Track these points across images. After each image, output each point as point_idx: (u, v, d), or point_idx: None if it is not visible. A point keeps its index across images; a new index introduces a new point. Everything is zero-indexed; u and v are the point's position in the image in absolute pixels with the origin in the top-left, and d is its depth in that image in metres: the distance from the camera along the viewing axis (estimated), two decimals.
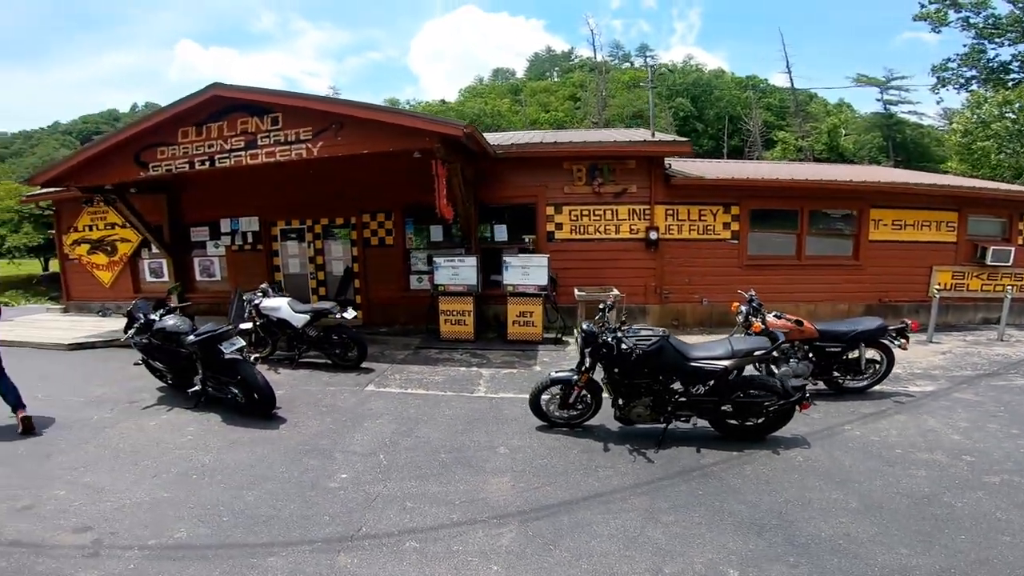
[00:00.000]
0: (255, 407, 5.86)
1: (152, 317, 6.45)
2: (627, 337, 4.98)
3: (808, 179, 10.80)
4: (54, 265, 30.67)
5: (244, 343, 5.89)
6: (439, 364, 8.36)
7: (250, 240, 12.11)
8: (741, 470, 4.62)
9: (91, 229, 13.20)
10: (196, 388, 6.08)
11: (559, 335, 9.91)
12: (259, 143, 9.11)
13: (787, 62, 52.33)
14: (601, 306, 5.57)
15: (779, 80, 61.27)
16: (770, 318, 6.47)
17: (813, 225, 11.12)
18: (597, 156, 10.86)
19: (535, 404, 5.46)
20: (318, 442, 5.29)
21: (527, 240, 11.20)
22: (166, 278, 12.83)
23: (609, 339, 4.97)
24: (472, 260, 9.80)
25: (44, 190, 13.88)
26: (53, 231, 28.85)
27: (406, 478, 4.53)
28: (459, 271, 9.76)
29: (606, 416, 5.50)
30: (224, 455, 4.94)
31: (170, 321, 6.39)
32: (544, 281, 9.53)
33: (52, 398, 6.65)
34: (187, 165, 9.49)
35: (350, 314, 8.06)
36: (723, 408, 5.04)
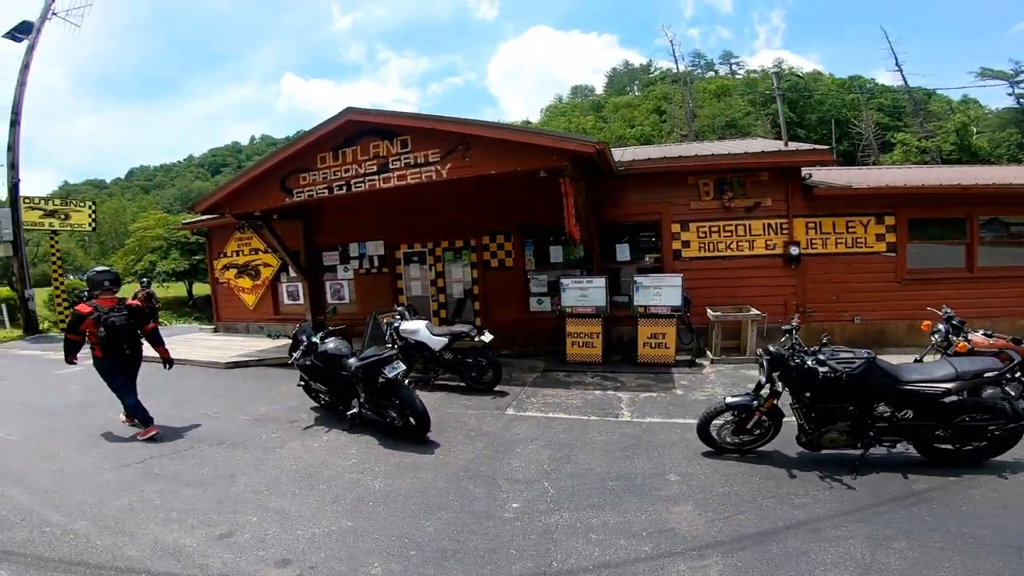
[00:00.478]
0: (410, 430, 5.85)
1: (314, 340, 6.69)
2: (827, 359, 4.52)
3: (981, 183, 9.51)
4: (197, 289, 34.06)
5: (404, 367, 5.92)
6: (572, 387, 8.08)
7: (376, 264, 12.57)
8: (968, 495, 4.16)
9: (238, 255, 14.34)
10: (354, 411, 6.19)
11: (693, 357, 9.30)
12: (391, 166, 9.37)
13: (896, 60, 47.98)
14: (786, 327, 5.11)
15: (885, 79, 56.47)
16: (976, 337, 5.63)
17: (986, 233, 9.79)
18: (726, 169, 10.23)
19: (704, 430, 5.13)
20: (477, 468, 5.16)
21: (647, 259, 10.76)
22: (301, 300, 13.62)
23: (808, 362, 4.54)
24: (601, 281, 9.48)
25: (201, 217, 15.34)
26: (197, 257, 32.49)
27: (580, 507, 4.28)
28: (587, 292, 9.48)
29: (778, 441, 5.09)
30: (392, 481, 4.90)
31: (331, 344, 6.59)
32: (678, 301, 9.03)
33: (222, 416, 7.07)
34: (326, 190, 9.97)
35: (487, 337, 8.01)
36: (936, 432, 4.52)
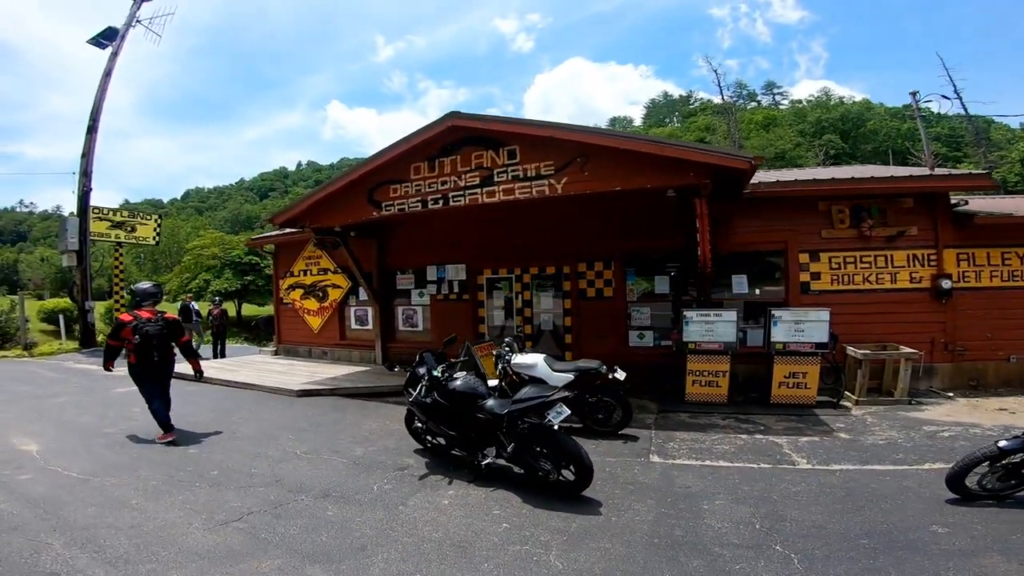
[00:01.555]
0: (562, 486, 4.68)
1: (435, 374, 5.57)
2: None
3: None
4: (246, 310, 33.83)
5: (568, 411, 4.74)
6: (708, 430, 6.86)
7: (455, 289, 11.55)
8: None
9: (305, 274, 13.53)
10: (489, 460, 5.02)
11: (837, 399, 7.95)
12: (495, 179, 8.42)
13: (955, 87, 45.73)
14: None
15: (937, 107, 54.03)
16: None
17: None
18: (864, 195, 8.91)
19: (960, 477, 4.42)
20: (672, 532, 4.01)
21: (758, 291, 9.51)
22: (370, 326, 12.66)
23: None
24: (731, 315, 8.20)
25: (267, 234, 14.73)
26: (248, 277, 32.28)
27: (854, 572, 3.39)
28: (715, 327, 8.19)
29: None
30: (573, 556, 3.66)
31: (460, 382, 5.44)
32: (824, 338, 7.71)
33: (315, 457, 5.93)
34: (420, 204, 9.04)
35: (621, 374, 6.80)
36: None
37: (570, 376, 6.80)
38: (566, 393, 4.90)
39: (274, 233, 14.45)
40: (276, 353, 14.23)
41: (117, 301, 18.25)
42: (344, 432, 7.01)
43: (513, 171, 8.30)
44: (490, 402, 5.06)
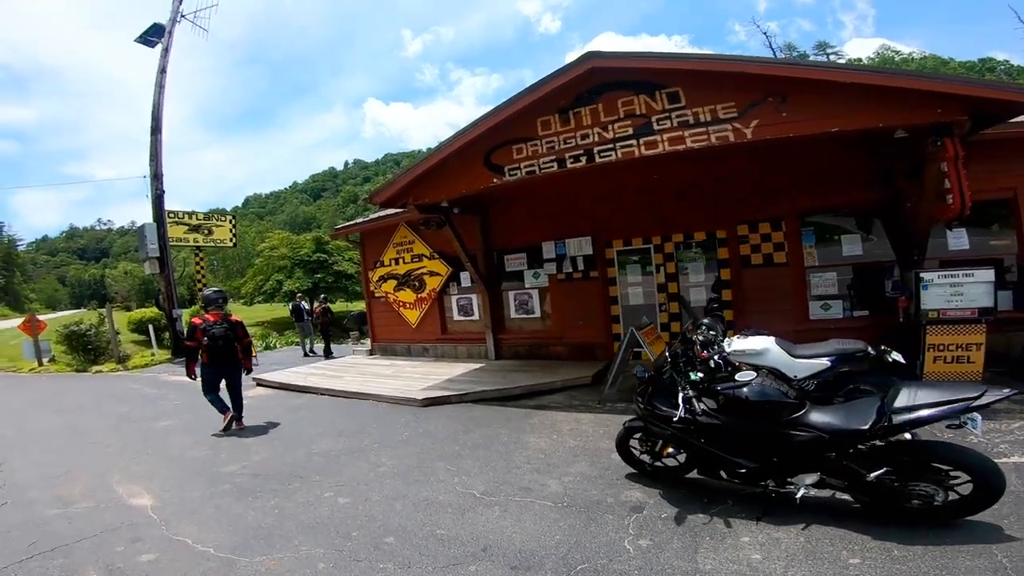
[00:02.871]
0: (946, 508, 3.07)
1: (692, 377, 3.69)
2: None
3: None
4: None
5: (980, 416, 2.92)
6: (1001, 417, 4.96)
7: (580, 267, 9.72)
8: None
9: (397, 263, 12.03)
10: (804, 490, 3.25)
11: None
12: (655, 127, 6.57)
13: None
14: None
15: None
16: None
17: None
18: None
19: None
20: None
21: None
22: (476, 316, 11.04)
23: None
24: (986, 274, 6.08)
25: (352, 223, 13.36)
26: (318, 275, 31.67)
27: None
28: (964, 290, 6.13)
29: None
30: None
31: (754, 385, 3.57)
32: None
33: (503, 500, 4.19)
34: (555, 163, 7.24)
35: (897, 356, 4.83)
36: None
37: (824, 363, 4.88)
38: (1004, 393, 2.99)
39: (358, 220, 13.07)
40: (372, 353, 12.88)
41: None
42: (513, 456, 5.32)
43: (679, 116, 6.46)
44: (814, 414, 3.24)
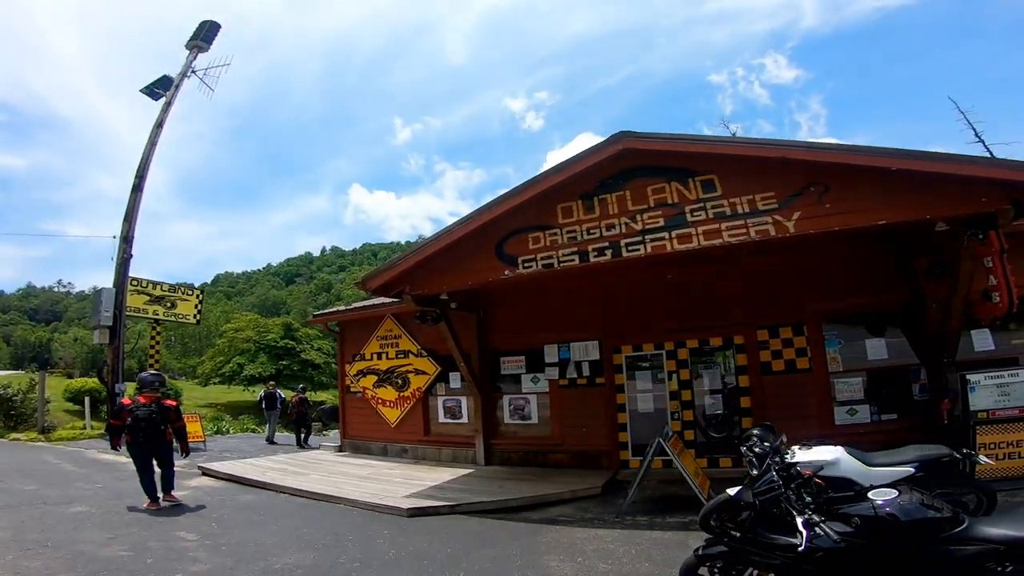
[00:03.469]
0: None
1: (802, 497, 2.85)
2: None
3: None
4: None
5: None
6: None
7: (586, 372, 9.00)
8: None
9: (380, 357, 11.07)
10: None
11: None
12: (689, 218, 6.24)
13: (975, 131, 43.68)
14: None
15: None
16: None
17: None
18: None
19: None
20: None
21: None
22: (464, 419, 9.99)
23: None
24: None
25: (332, 311, 12.52)
26: (284, 362, 29.82)
27: None
28: (1010, 389, 6.11)
29: None
30: None
31: (901, 502, 2.69)
32: None
33: None
34: (576, 256, 6.75)
35: (984, 459, 4.30)
36: None
37: (907, 470, 4.21)
38: None
39: (339, 308, 12.25)
40: (341, 449, 11.43)
41: None
42: None
43: (715, 207, 6.16)
44: (979, 526, 2.50)
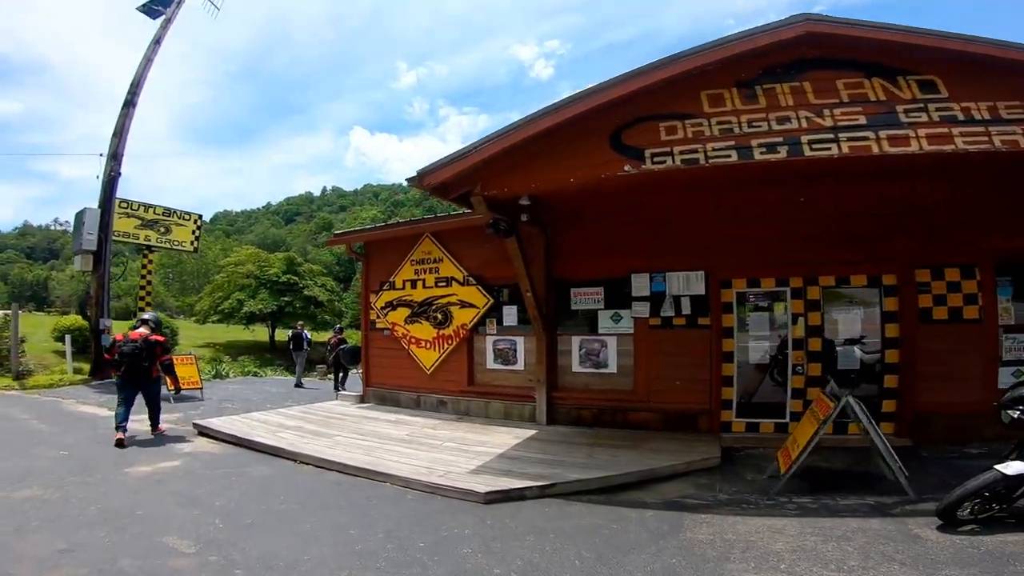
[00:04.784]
0: None
1: None
2: None
3: None
4: (280, 334, 29.19)
5: None
6: None
7: (686, 310, 6.97)
8: None
9: (415, 286, 8.96)
10: None
11: None
12: (904, 119, 4.33)
13: None
14: None
15: None
16: None
17: None
18: None
19: None
20: None
21: None
22: (519, 365, 8.01)
23: None
24: None
25: (354, 229, 10.26)
26: (286, 298, 27.78)
27: None
28: None
29: None
30: None
31: None
32: None
33: None
34: (734, 151, 4.70)
35: None
36: None
37: None
38: None
39: (364, 227, 9.99)
40: (363, 400, 9.53)
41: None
42: None
43: (941, 110, 4.32)
44: None
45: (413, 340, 8.87)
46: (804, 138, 4.54)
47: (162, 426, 7.13)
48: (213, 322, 27.78)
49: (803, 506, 4.50)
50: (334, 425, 7.42)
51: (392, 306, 9.18)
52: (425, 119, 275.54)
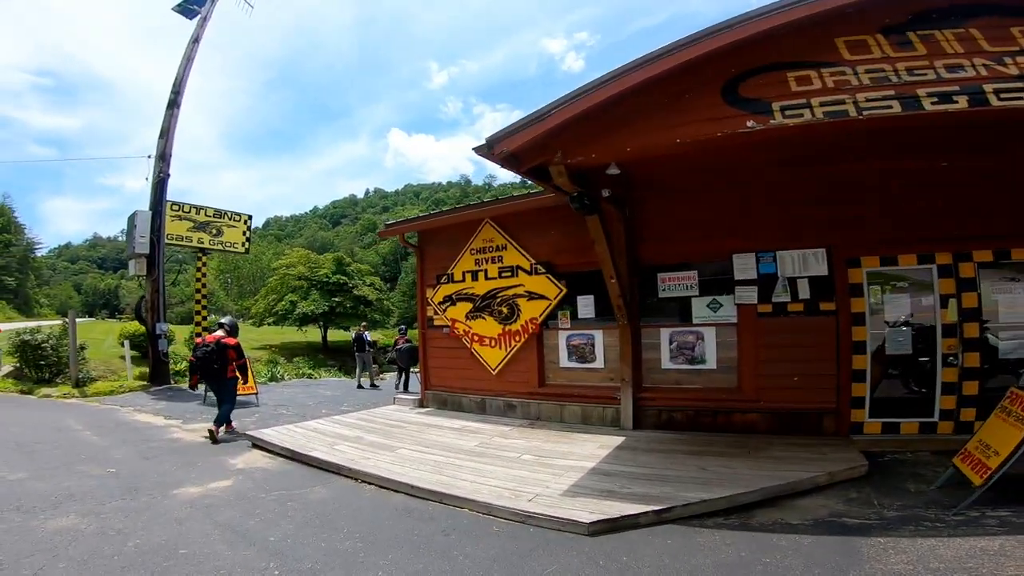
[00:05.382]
0: None
1: None
2: None
3: None
4: (332, 335, 29.19)
5: None
6: None
7: (803, 294, 5.80)
8: None
9: (476, 278, 8.11)
10: None
11: None
12: None
13: None
14: None
15: None
16: None
17: None
18: None
19: None
20: None
21: None
22: (598, 362, 7.01)
23: None
24: None
25: (408, 219, 9.47)
26: (336, 298, 27.70)
27: None
28: None
29: None
30: None
31: None
32: None
33: None
34: (895, 103, 3.70)
35: None
36: None
37: None
38: None
39: (418, 216, 9.21)
40: (423, 405, 8.77)
41: (199, 324, 13.57)
42: None
43: None
44: None
45: (476, 337, 8.01)
46: (987, 87, 3.49)
47: (233, 423, 7.27)
48: (268, 324, 28.02)
49: (1007, 521, 3.51)
50: (395, 435, 6.64)
51: (451, 301, 8.35)
52: (460, 117, 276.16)
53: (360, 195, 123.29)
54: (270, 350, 24.48)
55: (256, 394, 9.82)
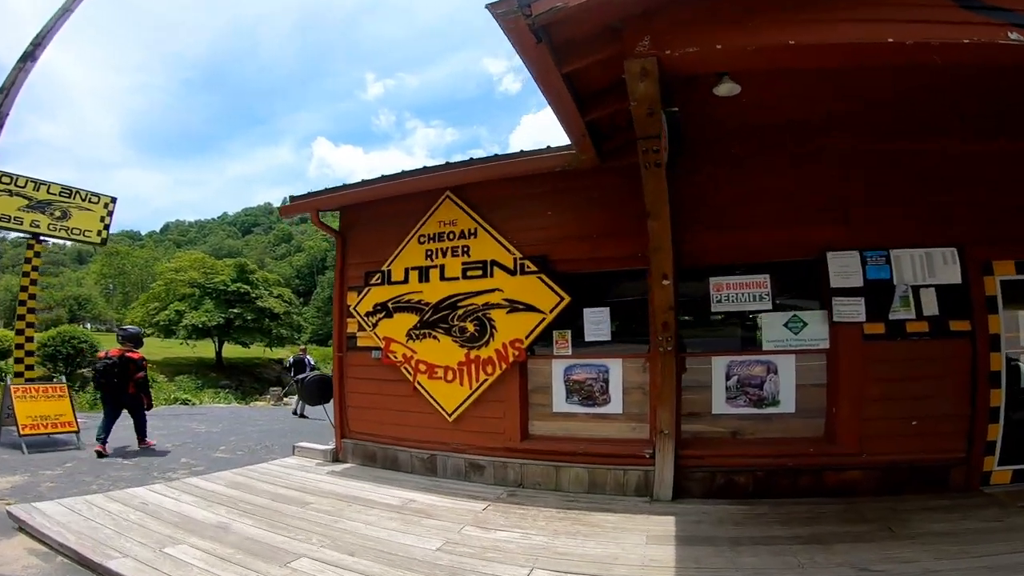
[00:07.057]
0: None
1: None
2: None
3: None
4: (228, 351, 24.48)
5: None
6: None
7: (929, 309, 3.86)
8: None
9: (425, 278, 5.50)
10: None
11: None
12: None
13: None
14: None
15: None
16: None
17: None
18: None
19: None
20: None
21: None
22: (615, 405, 4.65)
23: None
24: None
25: (326, 188, 6.42)
26: (235, 310, 23.29)
27: None
28: None
29: None
30: None
31: None
32: None
33: None
34: None
35: None
36: None
37: None
38: None
39: (344, 185, 6.22)
40: (337, 458, 5.88)
41: (19, 330, 9.61)
42: None
43: None
44: None
45: (423, 366, 5.35)
46: None
47: (150, 440, 6.75)
48: (148, 335, 23.08)
49: None
50: (290, 523, 3.79)
51: (386, 311, 5.65)
52: (392, 131, 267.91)
53: (277, 203, 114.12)
54: (149, 367, 19.80)
55: (76, 432, 6.46)
